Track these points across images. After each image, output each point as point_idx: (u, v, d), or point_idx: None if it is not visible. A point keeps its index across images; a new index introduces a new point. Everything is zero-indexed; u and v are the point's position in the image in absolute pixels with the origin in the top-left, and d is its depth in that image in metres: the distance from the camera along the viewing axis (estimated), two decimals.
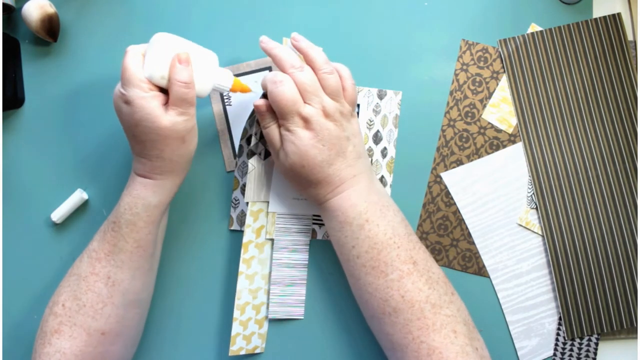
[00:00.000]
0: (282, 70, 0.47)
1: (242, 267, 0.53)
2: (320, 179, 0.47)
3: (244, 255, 0.53)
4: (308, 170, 0.47)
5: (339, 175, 0.47)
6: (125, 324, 0.47)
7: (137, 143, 0.45)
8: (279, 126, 0.48)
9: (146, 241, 0.47)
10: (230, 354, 0.52)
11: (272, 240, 0.54)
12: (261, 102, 0.48)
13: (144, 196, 0.46)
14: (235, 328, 0.53)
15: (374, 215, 0.47)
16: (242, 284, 0.53)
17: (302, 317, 0.54)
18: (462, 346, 0.44)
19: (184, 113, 0.45)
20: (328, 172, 0.47)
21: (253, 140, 0.53)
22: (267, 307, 0.54)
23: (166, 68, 0.44)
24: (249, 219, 0.54)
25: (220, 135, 0.55)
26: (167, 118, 0.44)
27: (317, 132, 0.46)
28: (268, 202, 0.54)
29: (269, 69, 0.56)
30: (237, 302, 0.53)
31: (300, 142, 0.46)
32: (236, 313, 0.53)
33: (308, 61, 0.48)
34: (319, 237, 0.55)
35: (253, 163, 0.54)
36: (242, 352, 0.53)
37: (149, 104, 0.43)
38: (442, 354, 0.43)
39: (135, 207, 0.46)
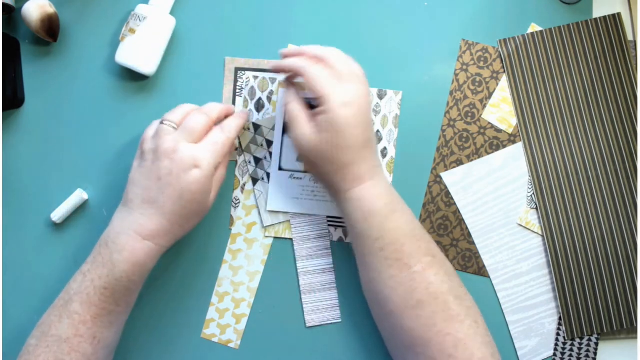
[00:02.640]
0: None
1: (227, 256, 0.54)
2: (349, 163, 0.46)
3: (230, 246, 0.54)
4: (339, 151, 0.45)
5: (367, 163, 0.46)
6: None
7: (177, 207, 0.46)
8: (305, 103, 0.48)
9: (133, 301, 0.48)
10: (202, 336, 0.53)
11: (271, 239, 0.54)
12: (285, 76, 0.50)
13: (144, 263, 0.46)
14: (211, 313, 0.53)
15: (398, 206, 0.47)
16: (224, 272, 0.54)
17: (340, 320, 0.54)
18: (483, 336, 0.44)
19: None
20: (359, 156, 0.46)
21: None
22: (250, 306, 0.54)
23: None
24: (240, 212, 0.54)
25: None
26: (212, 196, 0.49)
27: (357, 112, 0.45)
28: (288, 218, 0.54)
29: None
30: (217, 288, 0.54)
31: (340, 118, 0.45)
32: (214, 299, 0.54)
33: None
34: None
35: (260, 189, 0.54)
36: (215, 340, 0.53)
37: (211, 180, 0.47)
38: (467, 345, 0.43)
39: (133, 275, 0.45)
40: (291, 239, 0.55)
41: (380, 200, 0.46)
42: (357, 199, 0.46)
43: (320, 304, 0.54)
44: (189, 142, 0.46)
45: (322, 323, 0.54)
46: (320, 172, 0.48)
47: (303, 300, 0.54)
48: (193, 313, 0.54)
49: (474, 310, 0.46)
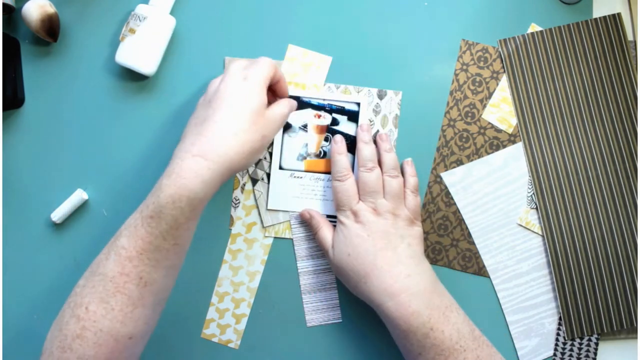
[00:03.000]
0: (358, 163, 0.51)
1: (227, 256, 0.54)
2: (367, 271, 0.47)
3: (230, 246, 0.54)
4: (353, 259, 0.48)
5: (390, 271, 0.47)
6: (151, 324, 0.44)
7: (226, 115, 0.44)
8: (327, 227, 0.52)
9: (184, 238, 0.43)
10: (202, 336, 0.53)
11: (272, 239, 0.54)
12: (305, 212, 0.53)
13: (192, 187, 0.41)
14: (211, 313, 0.53)
15: (437, 322, 0.45)
16: (224, 272, 0.54)
17: (340, 320, 0.54)
18: None
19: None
20: (374, 263, 0.47)
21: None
22: (250, 306, 0.54)
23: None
24: (240, 212, 0.54)
25: None
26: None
27: (364, 224, 0.49)
28: (288, 215, 0.54)
29: None
30: (216, 288, 0.54)
31: (347, 231, 0.49)
32: (214, 299, 0.53)
33: (380, 160, 0.52)
34: None
35: (259, 189, 0.54)
36: (215, 340, 0.53)
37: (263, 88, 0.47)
38: None
39: (179, 200, 0.41)
40: (291, 239, 0.55)
41: (416, 319, 0.45)
42: (393, 318, 0.46)
43: (321, 303, 0.54)
44: (236, 64, 0.48)
45: (323, 323, 0.54)
46: (351, 285, 0.50)
47: (303, 300, 0.54)
48: (193, 313, 0.54)
49: None
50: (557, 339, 0.54)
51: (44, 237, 0.55)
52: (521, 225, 0.55)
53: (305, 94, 0.55)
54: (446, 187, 0.55)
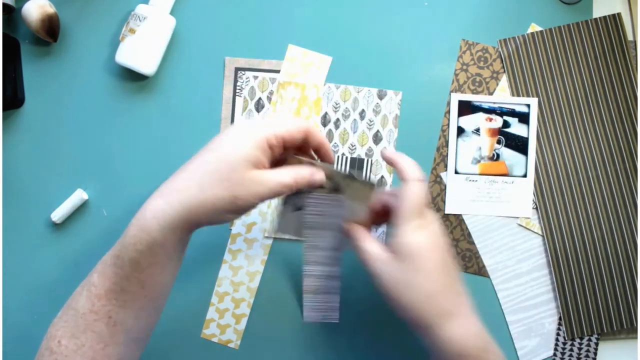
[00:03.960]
0: (405, 177, 0.43)
1: (227, 256, 0.54)
2: (438, 289, 0.41)
3: (230, 246, 0.54)
4: (426, 275, 0.41)
5: (453, 290, 0.42)
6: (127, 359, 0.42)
7: (199, 158, 0.40)
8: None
9: (152, 284, 0.41)
10: (202, 336, 0.53)
11: (271, 239, 0.54)
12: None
13: (149, 230, 0.38)
14: (211, 313, 0.53)
15: (490, 342, 0.42)
16: (224, 272, 0.54)
17: (337, 321, 0.54)
18: None
19: None
20: (445, 282, 0.42)
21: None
22: (250, 306, 0.54)
23: None
24: None
25: (222, 123, 0.55)
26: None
27: (435, 236, 0.43)
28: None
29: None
30: (216, 288, 0.54)
31: (421, 240, 0.42)
32: (214, 299, 0.53)
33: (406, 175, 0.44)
34: None
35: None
36: (215, 340, 0.53)
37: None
38: None
39: (139, 243, 0.38)
40: (291, 239, 0.55)
41: (475, 340, 0.42)
42: (451, 343, 0.41)
43: (321, 304, 0.54)
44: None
45: (320, 321, 0.54)
46: (406, 306, 0.42)
47: (304, 299, 0.54)
48: (193, 313, 0.54)
49: None
50: (557, 339, 0.54)
51: (44, 237, 0.55)
52: (521, 226, 0.55)
53: (475, 99, 0.55)
54: (446, 187, 0.55)
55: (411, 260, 0.41)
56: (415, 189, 0.43)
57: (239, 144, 0.39)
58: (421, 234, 0.42)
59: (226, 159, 0.39)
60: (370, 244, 0.44)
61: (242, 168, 0.39)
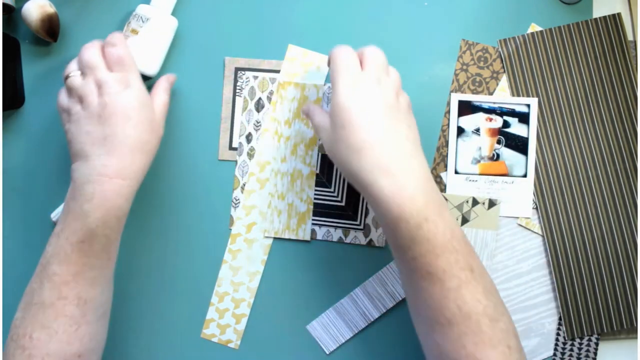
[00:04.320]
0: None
1: (227, 256, 0.54)
2: (363, 144, 0.41)
3: (230, 246, 0.54)
4: (348, 131, 0.42)
5: (389, 147, 0.41)
6: (98, 338, 0.45)
7: (127, 130, 0.44)
8: (321, 111, 0.48)
9: (115, 251, 0.45)
10: (201, 336, 0.53)
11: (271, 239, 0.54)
12: (302, 109, 0.51)
13: (118, 206, 0.43)
14: (211, 313, 0.54)
15: (433, 214, 0.40)
16: (224, 272, 0.54)
17: (327, 353, 0.54)
18: None
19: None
20: (372, 137, 0.41)
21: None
22: (250, 306, 0.54)
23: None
24: (240, 212, 0.54)
25: (222, 122, 0.55)
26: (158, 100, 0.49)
27: (365, 95, 0.43)
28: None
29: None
30: (216, 288, 0.54)
31: (344, 103, 0.43)
32: (214, 299, 0.54)
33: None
34: (319, 237, 0.55)
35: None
36: (215, 340, 0.53)
37: (144, 88, 0.47)
38: None
39: (109, 221, 0.42)
40: (291, 239, 0.55)
41: (411, 205, 0.40)
42: (386, 201, 0.40)
43: (332, 328, 0.54)
44: (103, 71, 0.46)
45: (317, 338, 0.54)
46: (343, 166, 0.43)
47: (325, 312, 0.54)
48: (193, 313, 0.54)
49: (508, 333, 0.41)
50: (557, 339, 0.54)
51: (44, 237, 0.55)
52: (521, 226, 0.55)
53: (475, 99, 0.55)
54: (446, 187, 0.55)
55: (336, 117, 0.43)
56: (338, 51, 0.45)
57: (144, 99, 0.46)
58: (346, 93, 0.43)
59: (146, 116, 0.46)
60: (319, 116, 0.47)
61: (154, 113, 0.47)
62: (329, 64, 0.48)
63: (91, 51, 0.47)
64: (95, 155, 0.43)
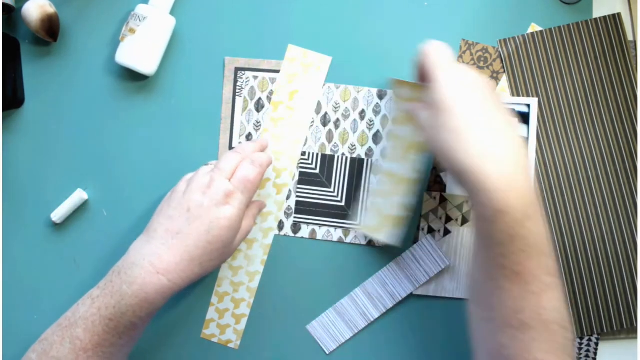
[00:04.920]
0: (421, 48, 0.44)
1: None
2: (469, 123, 0.39)
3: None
4: (459, 114, 0.39)
5: (497, 131, 0.39)
6: None
7: (200, 242, 0.44)
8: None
9: (138, 336, 0.46)
10: (201, 336, 0.53)
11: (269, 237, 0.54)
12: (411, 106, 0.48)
13: (153, 301, 0.43)
14: (211, 314, 0.54)
15: (536, 213, 0.38)
16: (224, 272, 0.54)
17: (327, 353, 0.54)
18: None
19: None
20: (478, 118, 0.39)
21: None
22: (250, 306, 0.54)
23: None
24: None
25: (222, 123, 0.55)
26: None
27: (458, 82, 0.41)
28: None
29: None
30: (216, 288, 0.54)
31: (442, 87, 0.41)
32: (214, 299, 0.54)
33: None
34: (319, 237, 0.55)
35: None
36: (214, 340, 0.54)
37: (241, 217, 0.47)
38: None
39: (140, 311, 0.43)
40: (292, 238, 0.55)
41: (518, 200, 0.37)
42: (491, 191, 0.37)
43: (332, 328, 0.54)
44: (224, 178, 0.46)
45: (317, 339, 0.54)
46: (447, 150, 0.40)
47: (325, 312, 0.54)
48: (193, 313, 0.54)
49: (573, 342, 0.41)
50: None
51: (44, 237, 0.55)
52: None
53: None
54: (446, 187, 0.55)
55: (438, 104, 0.40)
56: (431, 46, 0.43)
57: (233, 224, 0.45)
58: (445, 79, 0.41)
59: (224, 240, 0.45)
60: (420, 110, 0.44)
61: (233, 240, 0.46)
62: (418, 63, 0.45)
63: (230, 157, 0.48)
64: (159, 242, 0.44)
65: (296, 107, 0.55)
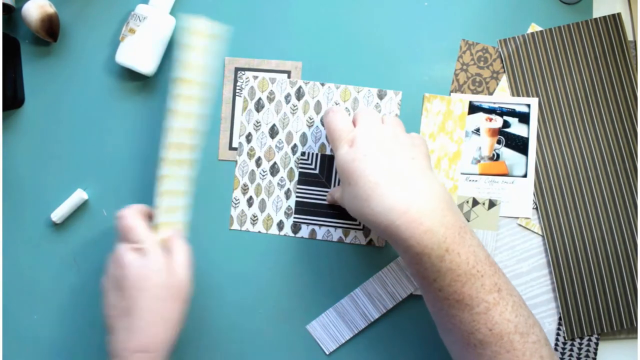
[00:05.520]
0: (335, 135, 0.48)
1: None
2: (369, 192, 0.42)
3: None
4: (353, 186, 0.43)
5: (394, 188, 0.41)
6: None
7: (144, 303, 0.44)
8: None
9: None
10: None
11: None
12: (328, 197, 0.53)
13: None
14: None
15: (453, 243, 0.41)
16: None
17: (327, 353, 0.54)
18: None
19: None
20: (377, 182, 0.42)
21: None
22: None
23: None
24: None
25: (222, 122, 0.55)
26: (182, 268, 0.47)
27: (359, 146, 0.44)
28: None
29: (288, 73, 0.55)
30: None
31: (344, 162, 0.45)
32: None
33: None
34: (319, 237, 0.55)
35: None
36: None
37: (161, 254, 0.46)
38: None
39: None
40: (292, 238, 0.55)
41: (430, 239, 0.40)
42: (405, 239, 0.41)
43: (331, 328, 0.54)
44: (120, 244, 0.46)
45: (316, 339, 0.54)
46: (358, 214, 0.44)
47: (325, 312, 0.54)
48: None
49: (540, 344, 0.42)
50: (557, 339, 0.54)
51: (44, 237, 0.55)
52: (521, 226, 0.55)
53: (475, 99, 0.55)
54: (446, 187, 0.55)
55: (342, 178, 0.45)
56: (330, 118, 0.48)
57: (162, 268, 0.45)
58: (342, 153, 0.45)
59: (168, 285, 0.45)
60: (336, 192, 0.50)
61: (175, 278, 0.46)
62: (322, 124, 0.50)
63: (118, 222, 0.47)
64: (119, 329, 0.44)
65: (198, 82, 0.52)
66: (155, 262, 0.45)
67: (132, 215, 0.47)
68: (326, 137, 0.54)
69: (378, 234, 0.44)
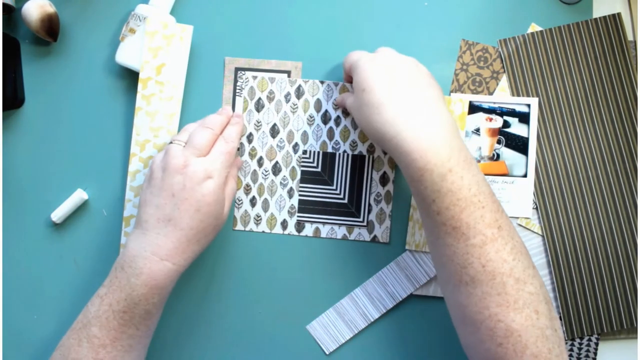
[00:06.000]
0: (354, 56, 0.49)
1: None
2: (383, 100, 0.42)
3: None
4: (368, 93, 0.43)
5: (410, 103, 0.42)
6: None
7: (193, 222, 0.45)
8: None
9: (155, 323, 0.47)
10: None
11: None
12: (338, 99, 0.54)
13: (163, 285, 0.44)
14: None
15: (457, 165, 0.40)
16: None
17: (327, 353, 0.54)
18: (542, 329, 0.39)
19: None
20: (392, 94, 0.43)
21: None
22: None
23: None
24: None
25: None
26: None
27: (384, 64, 0.45)
28: None
29: (288, 73, 0.56)
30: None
31: (364, 68, 0.46)
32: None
33: None
34: (323, 235, 0.55)
35: None
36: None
37: (223, 187, 0.48)
38: (522, 337, 0.38)
39: (152, 297, 0.44)
40: (296, 237, 0.55)
41: (435, 155, 0.40)
42: (409, 152, 0.40)
43: (331, 328, 0.54)
44: (197, 156, 0.46)
45: (316, 339, 0.54)
46: (368, 126, 0.44)
47: (325, 312, 0.54)
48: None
49: (538, 297, 0.40)
50: None
51: (44, 237, 0.55)
52: (521, 225, 0.55)
53: (475, 99, 0.55)
54: None
55: (358, 85, 0.45)
56: (352, 52, 0.50)
57: (218, 197, 0.46)
58: (364, 62, 0.46)
59: (215, 214, 0.46)
60: (348, 97, 0.50)
61: (222, 210, 0.47)
62: (346, 69, 0.50)
63: (201, 134, 0.48)
64: (154, 232, 0.45)
65: (165, 81, 0.54)
66: (218, 191, 0.46)
67: (234, 145, 0.49)
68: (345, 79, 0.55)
69: (383, 147, 0.44)
